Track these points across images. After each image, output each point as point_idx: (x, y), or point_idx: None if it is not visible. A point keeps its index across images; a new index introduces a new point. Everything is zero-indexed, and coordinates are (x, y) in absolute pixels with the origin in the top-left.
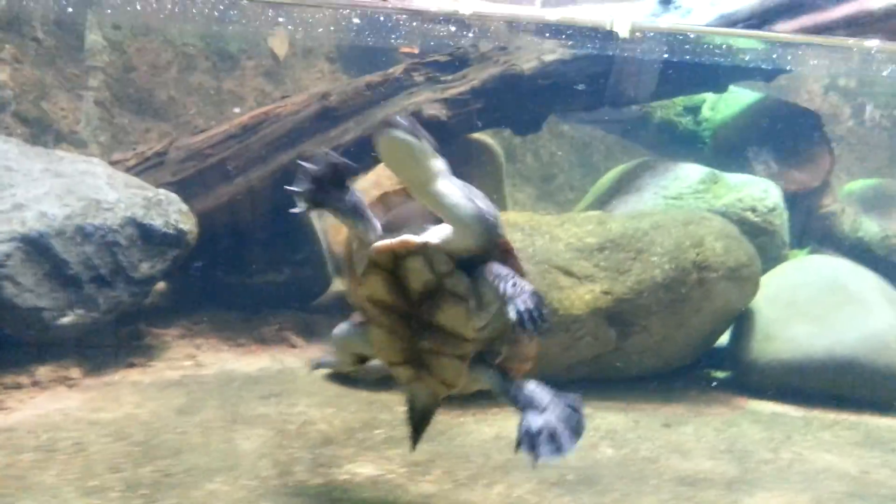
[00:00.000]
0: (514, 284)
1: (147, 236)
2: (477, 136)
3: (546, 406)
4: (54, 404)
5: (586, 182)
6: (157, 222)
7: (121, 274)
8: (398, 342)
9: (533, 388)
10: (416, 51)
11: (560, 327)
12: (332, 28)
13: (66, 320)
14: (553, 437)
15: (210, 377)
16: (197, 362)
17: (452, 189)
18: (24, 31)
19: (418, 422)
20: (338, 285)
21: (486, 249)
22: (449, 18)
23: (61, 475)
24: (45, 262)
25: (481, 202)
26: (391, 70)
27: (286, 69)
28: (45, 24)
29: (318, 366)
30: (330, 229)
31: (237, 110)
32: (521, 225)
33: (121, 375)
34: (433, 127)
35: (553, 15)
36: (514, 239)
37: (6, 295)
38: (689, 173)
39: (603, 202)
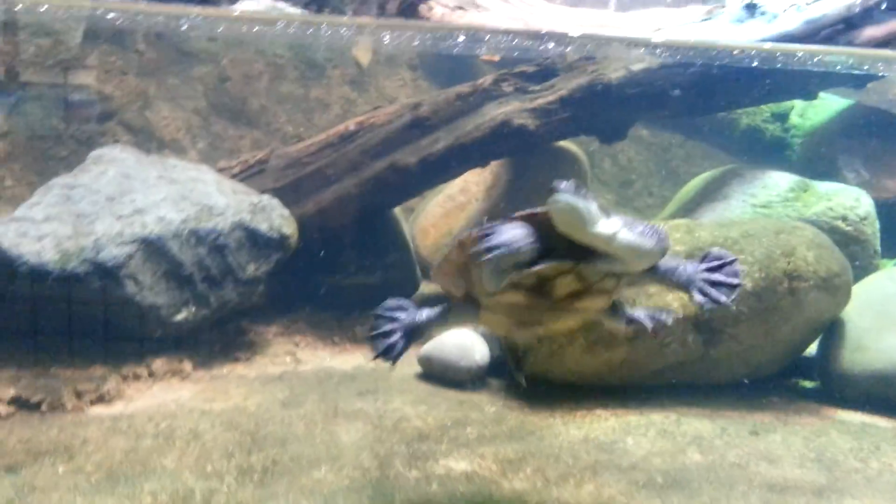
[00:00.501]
0: (683, 272)
1: (253, 240)
2: (562, 143)
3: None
4: (169, 395)
5: (665, 188)
6: (263, 226)
7: (230, 275)
8: (513, 323)
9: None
10: (497, 59)
11: (647, 333)
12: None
13: (180, 317)
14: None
15: (309, 373)
16: (296, 359)
17: (627, 236)
18: (127, 44)
19: (521, 359)
20: (425, 287)
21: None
22: (545, 36)
23: (180, 460)
24: (162, 263)
25: (649, 235)
26: (480, 81)
27: (370, 77)
28: (147, 36)
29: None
30: (418, 234)
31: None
32: None
33: (227, 369)
34: (521, 135)
35: (636, 30)
36: None
37: (128, 292)
38: (777, 181)
39: (689, 209)
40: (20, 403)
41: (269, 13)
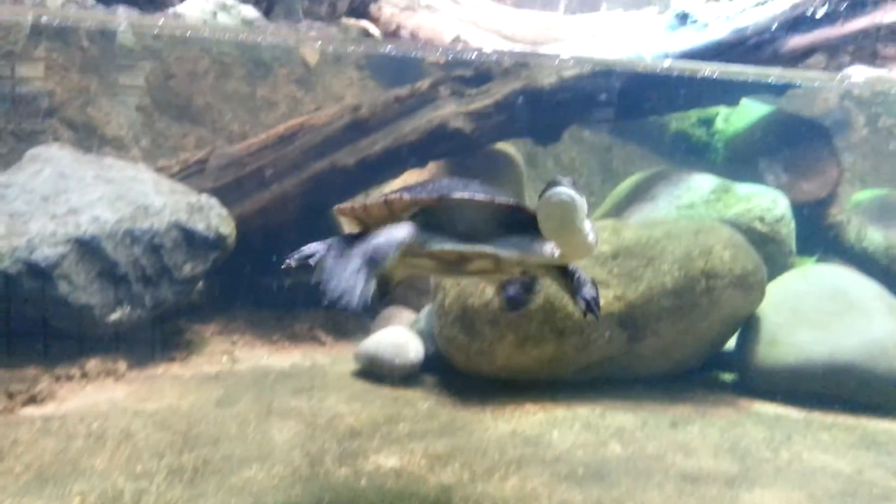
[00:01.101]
0: (579, 278)
1: (190, 239)
2: (499, 145)
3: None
4: (102, 395)
5: (606, 187)
6: (200, 226)
7: (165, 274)
8: (439, 272)
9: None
10: (442, 61)
11: (574, 330)
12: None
13: (114, 317)
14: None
15: (245, 372)
16: (233, 357)
17: (591, 230)
18: (71, 40)
19: (386, 289)
20: None
21: None
22: (470, 52)
23: (111, 460)
24: (96, 263)
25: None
26: (418, 84)
27: (317, 77)
28: (90, 33)
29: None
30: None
31: None
32: None
33: (163, 369)
34: (457, 138)
35: (565, 51)
36: None
37: (61, 292)
38: (701, 183)
39: (620, 209)
40: None
41: (207, 21)
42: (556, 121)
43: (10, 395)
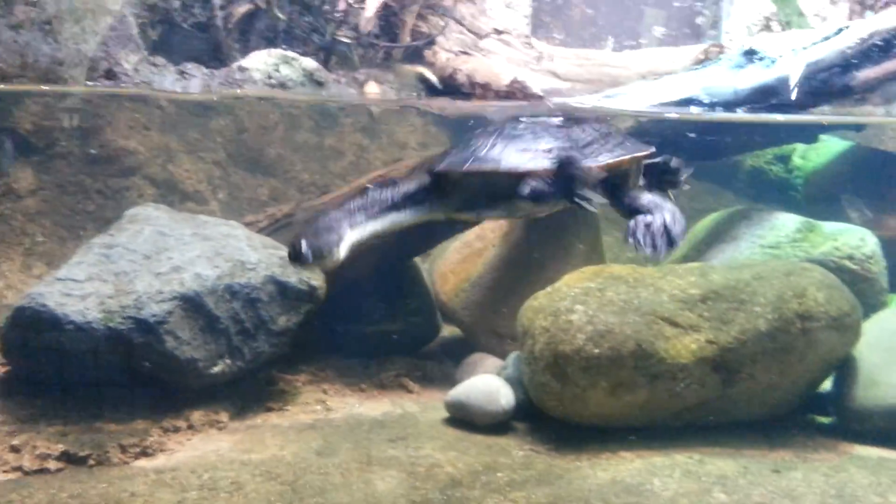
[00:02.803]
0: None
1: (284, 292)
2: None
3: (651, 209)
4: (208, 445)
5: None
6: (293, 279)
7: (262, 327)
8: None
9: (636, 195)
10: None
11: (667, 375)
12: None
13: (216, 369)
14: (664, 233)
15: (340, 420)
16: (326, 406)
17: None
18: (150, 100)
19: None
20: (447, 330)
21: None
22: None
23: None
24: (199, 318)
25: None
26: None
27: (381, 124)
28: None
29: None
30: (437, 279)
31: None
32: (624, 277)
33: (262, 419)
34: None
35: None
36: (619, 291)
37: (168, 347)
38: (785, 222)
39: (700, 250)
40: (69, 458)
41: (271, 74)
42: None
43: (124, 449)
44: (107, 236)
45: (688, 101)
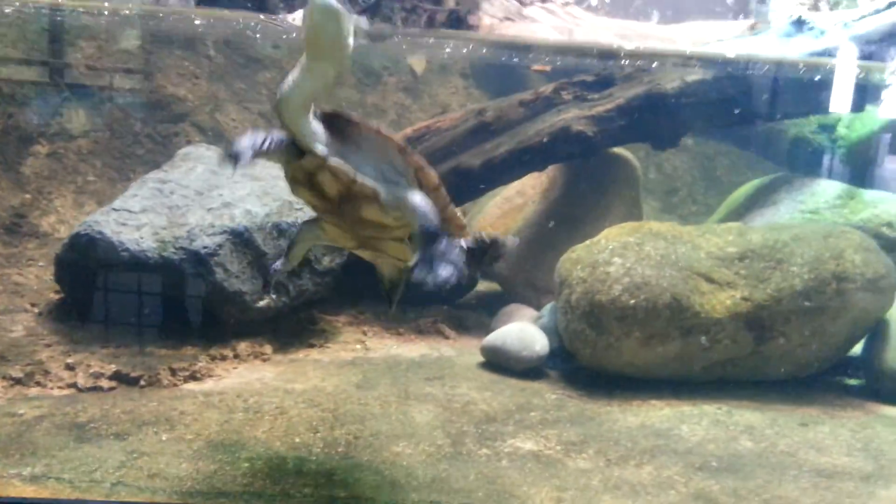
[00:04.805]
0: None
1: None
2: (616, 150)
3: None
4: (253, 374)
5: (709, 195)
6: None
7: (307, 265)
8: (344, 233)
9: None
10: (548, 69)
11: (700, 329)
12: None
13: (262, 303)
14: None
15: (379, 359)
16: (365, 346)
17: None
18: (199, 50)
19: (390, 291)
20: (481, 285)
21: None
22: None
23: (270, 432)
24: (248, 253)
25: None
26: (542, 89)
27: (424, 85)
28: (216, 43)
29: (274, 272)
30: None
31: None
32: (663, 234)
33: (303, 354)
34: (580, 141)
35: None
36: (658, 247)
37: (218, 279)
38: (825, 188)
39: (739, 215)
40: (121, 378)
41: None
42: (676, 126)
43: (173, 372)
44: (160, 172)
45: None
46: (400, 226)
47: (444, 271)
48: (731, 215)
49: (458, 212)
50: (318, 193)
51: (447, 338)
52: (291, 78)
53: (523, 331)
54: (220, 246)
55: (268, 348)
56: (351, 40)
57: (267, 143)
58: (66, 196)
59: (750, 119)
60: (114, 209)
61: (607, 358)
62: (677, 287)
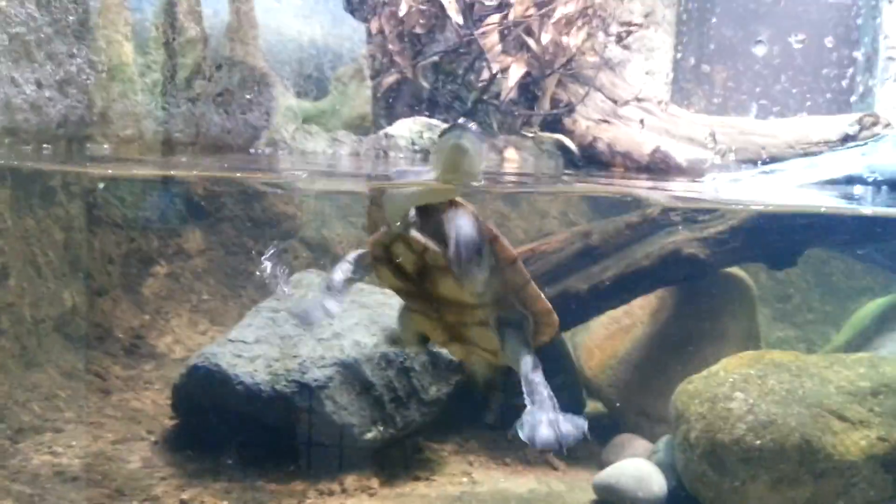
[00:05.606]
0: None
1: (435, 363)
2: (729, 270)
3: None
4: None
5: (826, 303)
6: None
7: (414, 396)
8: (430, 320)
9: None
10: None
11: (834, 473)
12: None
13: (369, 435)
14: (553, 427)
15: (486, 495)
16: (472, 479)
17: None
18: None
19: (486, 393)
20: (591, 406)
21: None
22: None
23: None
24: (357, 384)
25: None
26: (649, 210)
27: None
28: None
29: (392, 341)
30: (583, 355)
31: None
32: (786, 365)
33: (410, 488)
34: (692, 264)
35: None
36: (782, 380)
37: (327, 411)
38: None
39: (867, 338)
40: None
41: (415, 140)
42: (792, 245)
43: None
44: (273, 300)
45: (849, 179)
46: (479, 304)
47: (546, 436)
48: (856, 337)
49: (542, 294)
50: (398, 270)
51: (556, 469)
52: (415, 188)
53: (639, 469)
54: (330, 378)
55: (374, 482)
56: (483, 165)
57: (354, 269)
58: (181, 315)
59: (872, 237)
60: (230, 340)
61: (732, 502)
62: (807, 426)
